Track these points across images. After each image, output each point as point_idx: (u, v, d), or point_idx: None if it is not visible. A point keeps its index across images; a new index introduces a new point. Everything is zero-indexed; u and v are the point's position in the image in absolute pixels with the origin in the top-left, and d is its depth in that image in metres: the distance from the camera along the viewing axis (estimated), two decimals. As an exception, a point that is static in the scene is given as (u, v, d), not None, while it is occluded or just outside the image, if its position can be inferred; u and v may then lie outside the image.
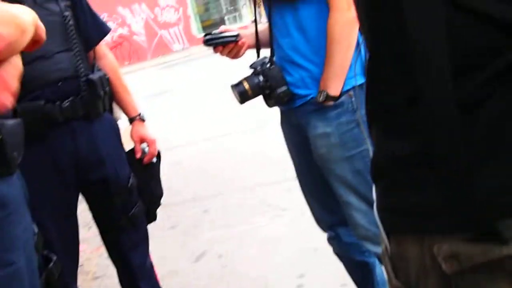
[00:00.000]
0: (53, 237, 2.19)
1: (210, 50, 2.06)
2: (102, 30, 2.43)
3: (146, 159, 2.46)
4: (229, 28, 2.08)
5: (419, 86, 0.68)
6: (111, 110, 2.40)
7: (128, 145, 2.45)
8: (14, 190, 1.44)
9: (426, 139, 0.69)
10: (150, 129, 2.50)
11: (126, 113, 2.48)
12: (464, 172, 0.67)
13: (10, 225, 1.39)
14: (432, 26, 0.66)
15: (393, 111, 0.75)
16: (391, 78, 0.73)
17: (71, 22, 2.22)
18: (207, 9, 24.02)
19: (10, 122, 1.42)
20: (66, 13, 2.21)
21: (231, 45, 2.03)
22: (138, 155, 2.45)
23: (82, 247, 4.04)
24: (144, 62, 20.80)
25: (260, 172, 4.77)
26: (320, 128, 1.92)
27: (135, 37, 21.77)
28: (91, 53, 2.37)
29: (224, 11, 23.74)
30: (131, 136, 2.46)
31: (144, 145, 2.45)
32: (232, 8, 23.42)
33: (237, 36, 2.02)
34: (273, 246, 3.36)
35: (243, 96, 2.00)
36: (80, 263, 3.79)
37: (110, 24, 20.84)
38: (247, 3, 21.54)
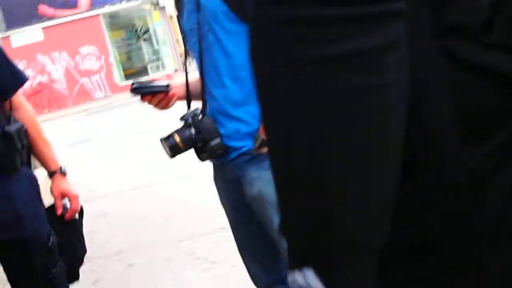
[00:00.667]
0: None
1: (132, 98, 1.97)
2: (19, 80, 2.30)
3: (67, 216, 2.30)
4: (158, 79, 1.99)
5: (418, 155, 0.59)
6: (29, 164, 2.25)
7: (47, 199, 2.30)
8: None
9: (425, 221, 0.60)
10: (71, 183, 2.36)
11: (46, 167, 2.32)
12: (473, 262, 0.58)
13: None
14: (434, 89, 0.57)
15: None
16: None
17: None
18: (129, 58, 23.89)
19: None
20: None
21: (161, 95, 1.94)
22: (59, 212, 2.28)
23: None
24: (65, 109, 20.39)
25: (187, 223, 4.63)
26: (254, 174, 1.83)
27: (55, 84, 21.36)
28: (7, 103, 2.22)
29: (147, 59, 23.66)
30: (52, 192, 2.30)
31: (66, 200, 2.30)
32: (154, 57, 23.37)
33: (167, 86, 1.93)
34: (203, 301, 3.22)
35: (174, 150, 1.90)
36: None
37: (29, 71, 20.62)
38: (170, 52, 21.58)
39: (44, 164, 2.32)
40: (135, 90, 1.91)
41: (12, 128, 2.10)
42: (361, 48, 0.53)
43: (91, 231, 5.09)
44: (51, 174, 2.31)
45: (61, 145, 11.15)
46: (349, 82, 0.54)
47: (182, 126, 1.90)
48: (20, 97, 2.31)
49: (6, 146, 2.06)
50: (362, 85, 0.54)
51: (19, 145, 2.11)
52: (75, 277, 2.41)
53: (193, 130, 1.87)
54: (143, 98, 1.93)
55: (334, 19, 0.53)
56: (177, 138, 1.88)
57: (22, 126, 2.17)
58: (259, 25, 0.58)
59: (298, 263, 0.61)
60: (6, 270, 2.24)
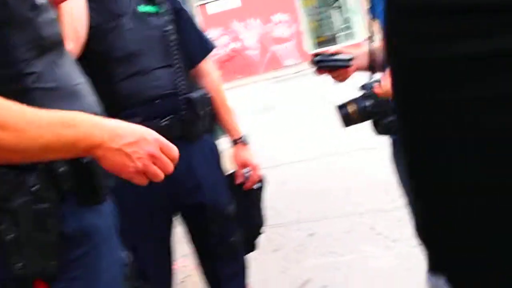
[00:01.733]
0: (147, 264, 2.08)
1: None
2: (206, 47, 2.31)
3: (247, 185, 2.30)
4: (342, 50, 1.89)
5: None
6: (211, 131, 2.27)
7: (229, 168, 2.31)
8: (102, 220, 1.32)
9: None
10: (253, 152, 2.35)
11: (228, 135, 2.34)
12: None
13: (95, 259, 1.27)
14: None
15: None
16: None
17: (172, 37, 2.11)
18: (320, 26, 23.92)
19: None
20: (168, 28, 2.10)
21: (341, 70, 1.85)
22: (239, 181, 2.30)
23: (184, 262, 3.97)
24: (256, 76, 20.95)
25: (368, 197, 4.52)
26: None
27: (248, 51, 21.99)
28: (194, 70, 2.25)
29: (337, 28, 23.53)
30: (233, 160, 2.31)
31: (246, 169, 2.30)
32: (345, 25, 23.17)
33: (350, 60, 1.83)
34: (383, 280, 3.11)
35: (348, 120, 1.82)
36: (181, 280, 3.73)
37: (224, 38, 21.42)
38: (361, 20, 21.29)
39: (227, 132, 2.34)
40: (317, 63, 1.84)
41: (195, 94, 2.12)
42: None
43: (272, 199, 5.14)
44: (233, 143, 2.32)
45: (248, 111, 11.47)
46: None
47: (360, 96, 1.81)
48: (207, 64, 2.32)
49: (189, 112, 2.08)
50: None
51: (202, 113, 2.13)
52: (252, 247, 2.40)
53: (370, 102, 1.77)
54: (319, 71, 1.87)
55: None
56: (351, 108, 1.80)
57: (206, 94, 2.18)
58: None
59: (434, 268, 0.62)
60: (188, 233, 2.29)
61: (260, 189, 2.36)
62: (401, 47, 0.56)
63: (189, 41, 2.20)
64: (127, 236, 2.03)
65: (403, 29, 0.55)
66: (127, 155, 1.17)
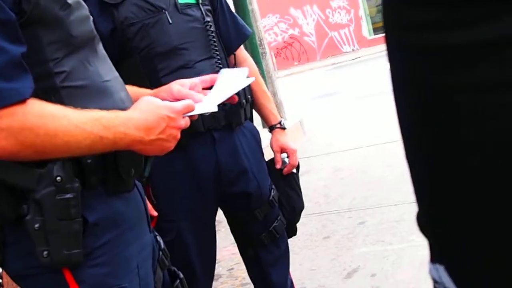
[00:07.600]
0: (191, 250, 2.10)
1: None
2: (242, 34, 2.30)
3: (285, 170, 2.29)
4: None
5: None
6: (251, 118, 2.27)
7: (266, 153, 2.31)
8: (130, 208, 1.35)
9: None
10: (290, 138, 2.33)
11: (266, 121, 2.33)
12: None
13: (121, 246, 1.30)
14: None
15: None
16: None
17: (212, 28, 2.10)
18: (379, 11, 23.57)
19: None
20: (208, 19, 2.09)
21: None
22: (278, 166, 2.28)
23: (233, 250, 3.99)
24: (313, 62, 20.85)
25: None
26: None
27: (305, 38, 21.89)
28: (232, 58, 2.25)
29: (397, 12, 23.18)
30: (271, 146, 2.31)
31: (284, 155, 2.29)
32: (405, 9, 22.81)
33: None
34: (431, 269, 3.04)
35: None
36: (230, 267, 3.76)
37: (281, 25, 21.37)
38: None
39: (265, 118, 2.34)
40: None
41: None
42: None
43: (326, 186, 5.14)
44: (271, 128, 2.32)
45: (306, 98, 11.42)
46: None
47: None
48: (243, 52, 2.33)
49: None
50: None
51: (243, 101, 2.14)
52: (293, 232, 2.39)
53: None
54: None
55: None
56: None
57: None
58: None
59: (434, 259, 0.63)
60: (229, 222, 2.31)
61: (297, 173, 2.35)
62: (399, 34, 0.59)
63: (226, 30, 2.20)
64: (173, 222, 2.07)
65: (397, 16, 0.57)
66: (164, 140, 1.30)
